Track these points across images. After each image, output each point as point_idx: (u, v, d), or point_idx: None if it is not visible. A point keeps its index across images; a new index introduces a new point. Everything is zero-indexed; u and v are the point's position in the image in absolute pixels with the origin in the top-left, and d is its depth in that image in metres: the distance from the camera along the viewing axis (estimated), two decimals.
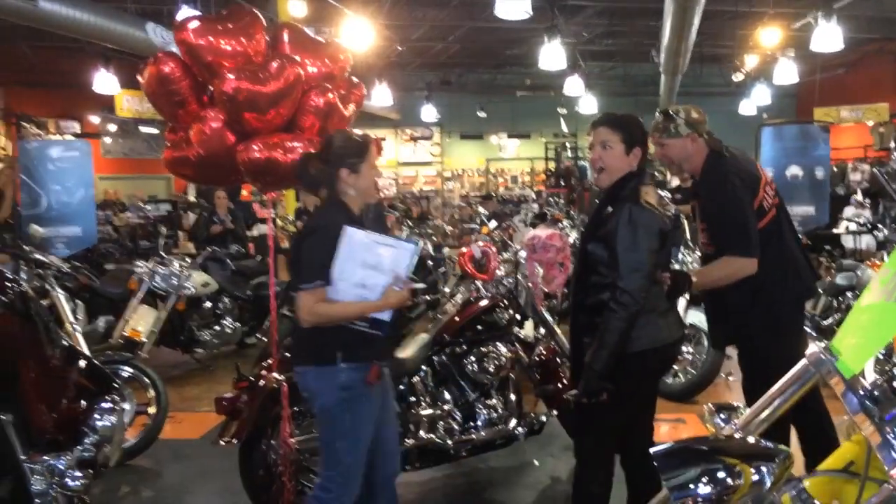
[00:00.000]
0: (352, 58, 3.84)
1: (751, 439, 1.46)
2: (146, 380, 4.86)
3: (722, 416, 1.63)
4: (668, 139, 3.39)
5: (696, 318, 5.67)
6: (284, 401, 3.54)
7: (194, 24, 3.33)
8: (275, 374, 3.61)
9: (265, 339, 6.62)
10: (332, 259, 2.81)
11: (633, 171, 3.01)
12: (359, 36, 9.35)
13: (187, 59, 3.30)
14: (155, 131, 15.62)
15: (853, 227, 9.60)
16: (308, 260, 2.88)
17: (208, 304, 7.21)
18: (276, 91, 3.18)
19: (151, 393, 4.82)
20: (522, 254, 5.10)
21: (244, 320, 7.50)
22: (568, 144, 19.32)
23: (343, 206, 2.95)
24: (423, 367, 4.20)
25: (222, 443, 3.60)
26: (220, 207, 9.46)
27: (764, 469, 1.34)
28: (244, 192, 13.20)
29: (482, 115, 19.23)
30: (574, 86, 12.85)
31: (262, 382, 3.66)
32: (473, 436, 4.12)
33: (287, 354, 3.83)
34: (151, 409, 4.78)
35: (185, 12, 7.60)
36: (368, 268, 2.86)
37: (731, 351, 6.43)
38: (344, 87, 3.71)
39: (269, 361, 3.81)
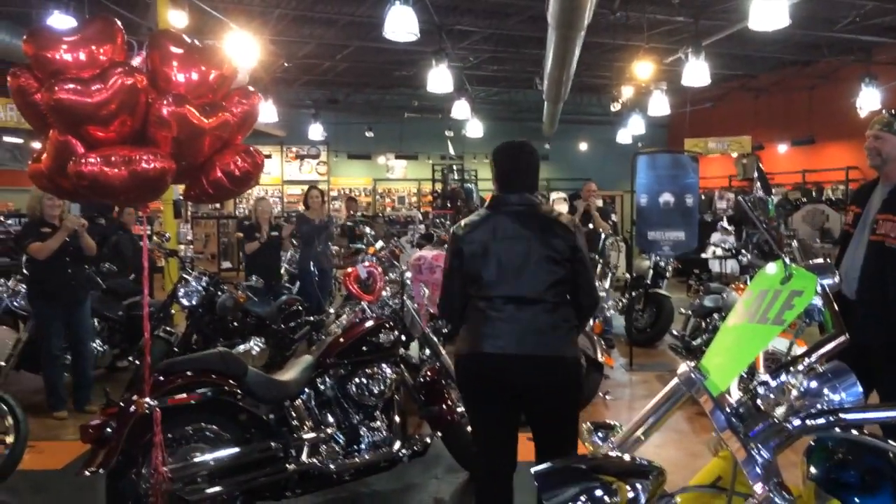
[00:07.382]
0: (238, 67, 3.70)
1: (626, 457, 1.50)
2: (3, 407, 4.61)
3: (600, 434, 1.65)
4: (888, 134, 3.57)
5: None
6: (157, 427, 3.36)
7: (40, 34, 3.20)
8: (147, 400, 3.43)
9: (138, 363, 6.31)
10: None
11: None
12: (243, 50, 9.14)
13: (36, 69, 3.14)
14: (20, 141, 14.66)
15: (719, 252, 10.20)
16: None
17: None
18: (104, 101, 2.97)
19: (9, 421, 4.57)
20: (408, 274, 5.11)
21: (115, 342, 7.11)
22: (455, 166, 19.60)
23: None
24: (306, 390, 4.12)
25: (87, 473, 3.38)
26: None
27: (639, 486, 1.37)
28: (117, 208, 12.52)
29: (370, 135, 19.21)
30: (461, 109, 13.05)
31: (132, 408, 3.46)
32: (357, 459, 4.05)
33: (161, 378, 3.66)
34: (9, 438, 4.54)
35: (56, 18, 7.19)
36: None
37: (608, 370, 6.67)
38: (235, 95, 3.56)
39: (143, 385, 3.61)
